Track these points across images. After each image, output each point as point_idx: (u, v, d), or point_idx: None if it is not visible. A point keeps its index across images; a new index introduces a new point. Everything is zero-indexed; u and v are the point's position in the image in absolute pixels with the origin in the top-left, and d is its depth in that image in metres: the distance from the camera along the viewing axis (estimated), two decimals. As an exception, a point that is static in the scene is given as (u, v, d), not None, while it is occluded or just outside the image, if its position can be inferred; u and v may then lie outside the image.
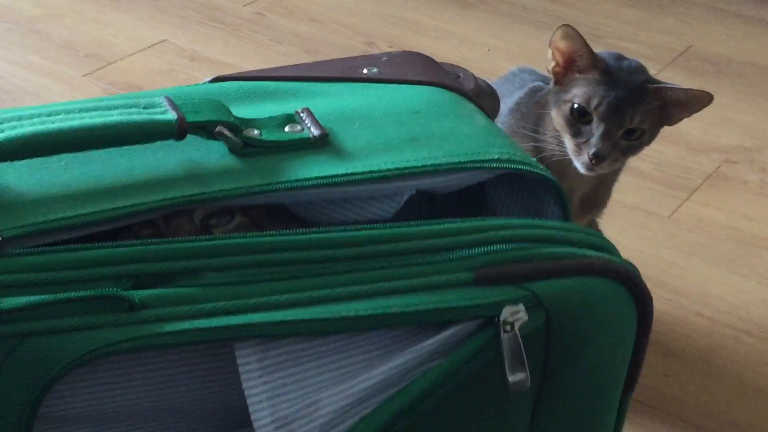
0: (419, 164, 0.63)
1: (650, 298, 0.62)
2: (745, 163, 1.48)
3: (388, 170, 0.62)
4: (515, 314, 0.56)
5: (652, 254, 1.28)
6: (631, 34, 1.83)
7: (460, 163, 0.64)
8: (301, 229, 0.57)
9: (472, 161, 0.64)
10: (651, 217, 1.35)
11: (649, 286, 1.20)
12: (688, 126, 1.56)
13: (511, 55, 1.75)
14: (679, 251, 1.29)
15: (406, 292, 0.56)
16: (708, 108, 1.58)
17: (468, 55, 1.74)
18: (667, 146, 1.48)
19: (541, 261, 0.58)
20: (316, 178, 0.61)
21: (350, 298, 0.55)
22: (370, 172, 0.62)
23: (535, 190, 0.68)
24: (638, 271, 0.61)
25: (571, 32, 0.93)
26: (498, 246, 0.58)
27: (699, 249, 1.29)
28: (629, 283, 0.61)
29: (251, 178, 0.61)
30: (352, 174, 0.61)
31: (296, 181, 0.60)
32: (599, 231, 1.12)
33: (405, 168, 0.62)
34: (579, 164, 0.94)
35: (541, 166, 0.67)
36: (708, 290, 1.22)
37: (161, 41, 1.72)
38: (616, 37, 1.82)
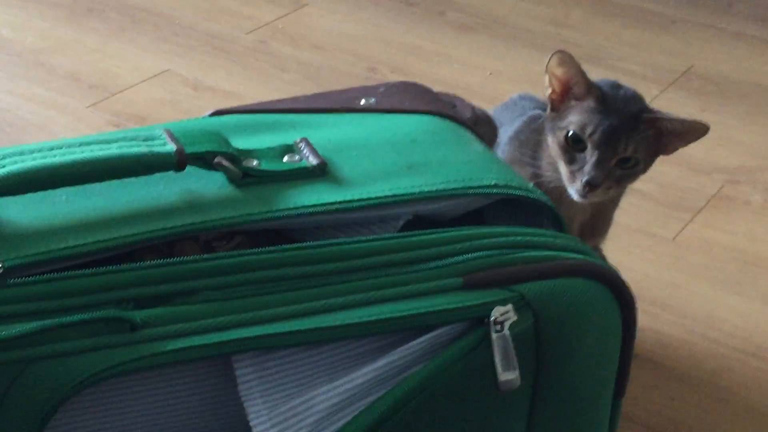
0: (416, 191, 0.64)
1: (633, 300, 0.64)
2: (748, 183, 1.48)
3: (386, 197, 0.63)
4: (505, 314, 0.58)
5: (657, 277, 1.28)
6: (633, 55, 1.84)
7: (456, 189, 0.65)
8: (295, 245, 0.58)
9: (469, 187, 0.65)
10: (655, 240, 1.35)
11: (654, 308, 1.21)
12: (691, 146, 1.55)
13: (512, 78, 1.76)
14: (684, 273, 1.29)
15: (398, 299, 0.58)
16: (711, 128, 1.59)
17: (470, 80, 1.75)
18: (670, 167, 1.48)
19: (526, 264, 0.61)
20: (315, 205, 0.62)
21: (344, 308, 0.57)
22: (368, 199, 0.63)
23: (533, 215, 0.69)
24: (619, 273, 0.63)
25: (567, 58, 0.94)
26: (484, 252, 0.61)
27: (704, 271, 1.29)
28: (612, 285, 0.63)
29: (250, 206, 0.61)
30: (349, 201, 0.62)
31: (294, 208, 0.61)
32: (603, 256, 1.12)
33: (402, 194, 0.63)
34: (573, 191, 0.94)
35: (539, 192, 0.68)
36: (714, 312, 1.22)
37: (164, 71, 1.73)
38: (618, 58, 1.82)
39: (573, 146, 0.93)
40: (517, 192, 0.66)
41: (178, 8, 1.94)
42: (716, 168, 1.51)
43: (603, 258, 1.12)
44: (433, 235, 0.61)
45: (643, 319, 1.21)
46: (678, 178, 1.48)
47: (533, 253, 0.61)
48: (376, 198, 0.62)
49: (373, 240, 0.59)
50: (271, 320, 0.55)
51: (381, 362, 0.57)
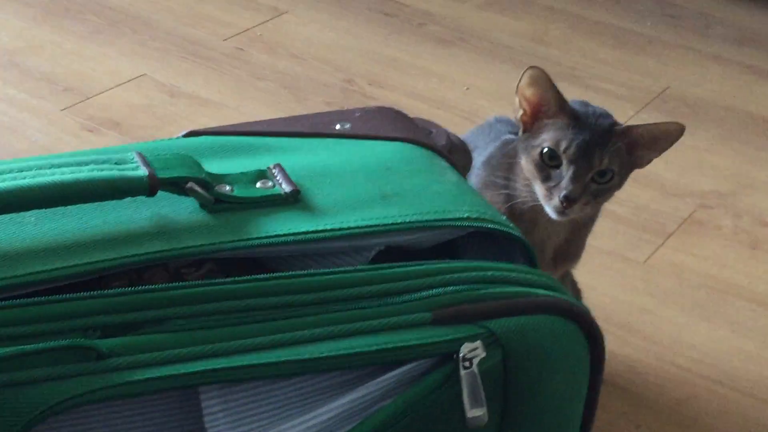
0: (389, 221, 0.64)
1: (602, 337, 0.64)
2: (719, 208, 1.49)
3: (358, 227, 0.63)
4: (473, 351, 0.58)
5: (627, 300, 1.28)
6: (609, 74, 1.85)
7: (429, 221, 0.65)
8: (264, 275, 0.58)
9: (442, 219, 0.65)
10: (626, 263, 1.35)
11: (623, 333, 1.21)
12: (664, 169, 1.57)
13: (490, 93, 1.76)
14: (654, 298, 1.29)
15: (367, 333, 0.58)
16: (684, 151, 1.60)
17: (447, 94, 1.75)
18: (643, 190, 1.49)
19: (496, 300, 0.61)
20: (286, 234, 0.61)
21: (312, 341, 0.57)
22: (340, 229, 0.63)
23: (505, 247, 0.69)
24: (589, 310, 0.63)
25: (538, 77, 0.94)
26: (454, 287, 0.61)
27: (673, 296, 1.30)
28: (582, 322, 0.63)
29: (221, 234, 0.61)
30: (321, 231, 0.62)
31: (266, 237, 0.61)
32: (573, 280, 1.12)
33: (374, 225, 0.63)
34: (550, 209, 0.94)
35: (511, 225, 0.68)
36: (682, 338, 1.22)
37: (140, 75, 1.72)
38: (594, 77, 1.83)
39: (548, 163, 0.94)
40: (490, 225, 0.66)
41: (156, 12, 1.93)
42: (689, 192, 1.52)
43: (574, 283, 1.12)
44: (404, 269, 0.60)
45: (612, 344, 1.21)
46: (651, 201, 1.48)
47: (503, 289, 0.61)
48: (348, 228, 0.62)
49: (343, 272, 0.59)
50: (238, 352, 0.55)
51: (349, 397, 0.57)
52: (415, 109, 1.68)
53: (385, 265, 0.61)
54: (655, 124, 0.95)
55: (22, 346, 0.52)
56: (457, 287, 0.60)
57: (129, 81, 1.70)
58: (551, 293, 0.63)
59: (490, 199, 0.98)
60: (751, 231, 1.44)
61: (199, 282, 0.57)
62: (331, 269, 0.60)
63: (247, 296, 0.57)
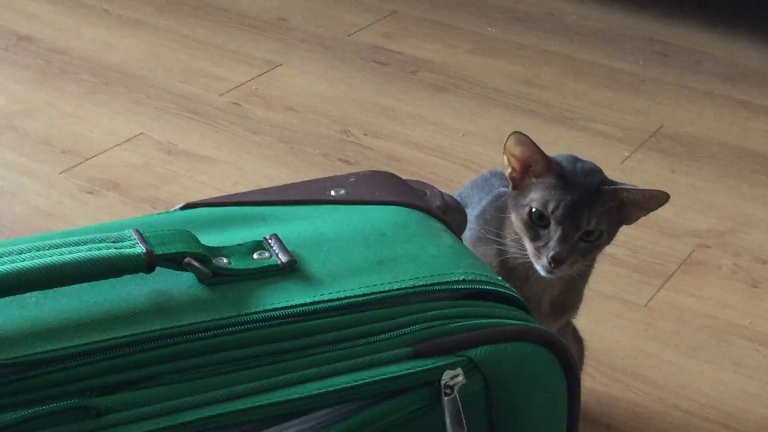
0: (386, 288, 0.65)
1: (575, 362, 0.67)
2: (718, 247, 1.49)
3: (355, 296, 0.64)
4: (455, 377, 0.61)
5: (629, 345, 1.29)
6: (603, 115, 1.86)
7: (425, 285, 0.66)
8: (247, 326, 0.60)
9: (438, 283, 0.66)
10: (627, 306, 1.36)
11: (626, 378, 1.21)
12: (662, 209, 1.56)
13: (485, 139, 1.77)
14: (656, 341, 1.29)
15: (351, 371, 0.60)
16: (680, 190, 1.61)
17: (443, 141, 1.76)
18: (641, 231, 1.50)
19: (472, 331, 0.63)
20: (284, 308, 0.62)
21: (299, 383, 0.59)
22: (337, 299, 0.63)
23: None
24: (559, 338, 0.66)
25: (523, 139, 0.95)
26: (431, 323, 0.63)
27: (675, 338, 1.30)
28: (554, 348, 0.65)
29: (220, 309, 0.62)
30: (318, 302, 0.63)
31: (264, 311, 0.61)
32: (575, 327, 1.13)
33: (370, 293, 0.64)
34: (539, 267, 0.95)
35: (507, 284, 0.68)
36: (685, 382, 1.22)
37: (138, 134, 1.73)
38: (588, 118, 1.84)
39: (536, 222, 0.95)
40: (485, 286, 0.67)
41: (151, 69, 1.95)
42: (687, 231, 1.52)
43: (575, 331, 1.12)
44: (382, 310, 0.63)
45: (615, 390, 1.21)
46: (649, 243, 1.49)
47: (477, 321, 0.64)
48: (346, 298, 0.63)
49: (324, 317, 0.61)
50: (229, 399, 0.57)
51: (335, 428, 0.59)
52: (411, 157, 1.69)
53: (365, 307, 0.63)
54: (640, 189, 0.96)
55: (20, 412, 0.54)
56: (435, 322, 0.63)
57: (126, 141, 1.72)
58: (521, 322, 0.65)
59: (483, 253, 0.99)
60: (750, 269, 1.44)
61: (186, 338, 0.59)
62: (315, 314, 0.62)
63: (233, 347, 0.59)
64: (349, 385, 0.59)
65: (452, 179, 1.61)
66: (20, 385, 0.56)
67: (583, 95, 1.93)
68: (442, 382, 0.60)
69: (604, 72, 2.02)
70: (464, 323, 0.63)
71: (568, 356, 0.66)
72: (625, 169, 1.67)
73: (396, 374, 0.60)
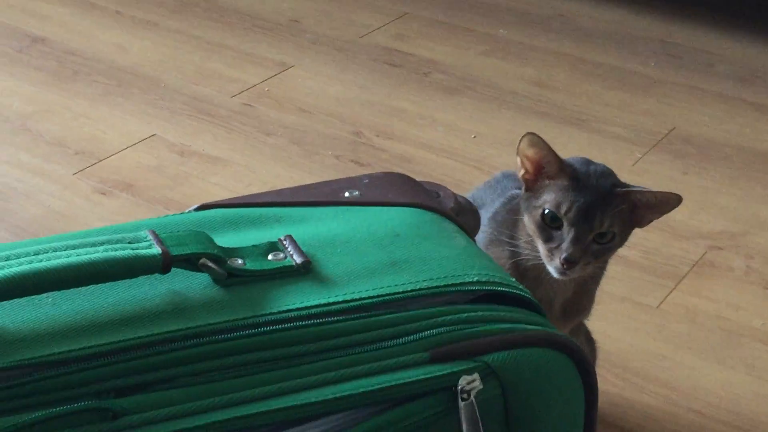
0: (399, 290, 0.65)
1: (593, 367, 0.67)
2: (730, 249, 1.49)
3: (369, 297, 0.64)
4: (471, 383, 0.61)
5: (642, 347, 1.29)
6: (615, 117, 1.86)
7: (439, 287, 0.65)
8: (263, 329, 0.60)
9: (451, 284, 0.66)
10: (639, 308, 1.36)
11: (638, 380, 1.21)
12: (674, 211, 1.57)
13: (497, 141, 1.77)
14: (668, 343, 1.29)
15: (367, 375, 0.60)
16: (693, 191, 1.61)
17: (455, 143, 1.76)
18: (654, 233, 1.50)
19: (489, 336, 0.63)
20: (298, 309, 0.62)
21: (315, 386, 0.59)
22: (352, 300, 0.63)
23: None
24: (577, 344, 0.66)
25: (537, 140, 0.95)
26: (448, 327, 0.63)
27: (688, 340, 1.30)
28: (571, 353, 0.65)
29: (236, 310, 0.62)
30: (333, 303, 0.63)
31: (278, 312, 0.62)
32: (587, 330, 1.13)
33: (385, 294, 0.64)
34: (552, 269, 0.95)
35: (520, 286, 0.68)
36: (698, 383, 1.22)
37: (151, 136, 1.74)
38: (600, 120, 1.84)
39: (549, 224, 0.95)
40: (499, 288, 0.67)
41: (164, 72, 1.96)
42: (699, 233, 1.52)
43: (588, 333, 1.13)
44: (398, 314, 0.63)
45: (628, 392, 1.21)
46: (661, 245, 1.49)
47: (495, 326, 0.64)
48: (360, 299, 0.63)
49: (340, 321, 0.61)
50: (245, 402, 0.57)
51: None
52: (423, 158, 1.70)
53: (380, 311, 0.63)
54: (653, 192, 0.96)
55: (37, 413, 0.54)
56: (452, 327, 0.63)
57: (140, 142, 1.72)
58: (539, 327, 0.65)
59: (496, 255, 0.99)
60: (762, 271, 1.44)
61: (203, 340, 0.59)
62: (331, 319, 0.62)
63: (249, 350, 0.59)
64: (365, 389, 0.59)
65: (464, 181, 1.61)
66: (37, 386, 0.56)
67: (595, 97, 1.93)
68: (459, 387, 0.60)
69: (616, 74, 2.01)
70: (482, 328, 0.63)
71: (586, 362, 0.65)
72: (637, 171, 1.67)
73: (413, 379, 0.60)
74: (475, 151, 1.74)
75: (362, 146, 1.74)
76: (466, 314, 0.64)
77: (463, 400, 0.60)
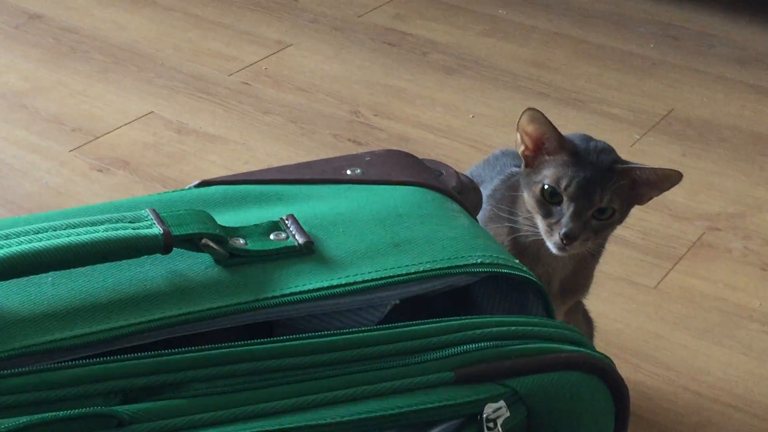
0: (403, 272, 0.64)
1: (627, 391, 0.64)
2: (728, 230, 1.49)
3: (372, 279, 0.63)
4: (497, 411, 0.58)
5: (639, 327, 1.29)
6: (614, 98, 1.85)
7: (443, 269, 0.64)
8: (283, 336, 0.58)
9: (455, 266, 0.65)
10: (637, 288, 1.36)
11: (635, 360, 1.21)
12: (672, 192, 1.57)
13: (495, 121, 1.77)
14: (666, 323, 1.29)
15: (388, 394, 0.57)
16: (691, 173, 1.60)
17: (453, 122, 1.76)
18: (652, 214, 1.50)
19: (519, 358, 0.60)
20: (301, 292, 0.61)
21: (334, 404, 0.56)
22: (355, 282, 0.62)
23: (519, 289, 0.69)
24: (614, 364, 0.63)
25: (537, 116, 0.95)
26: (476, 344, 0.60)
27: (685, 320, 1.30)
28: (606, 376, 0.62)
29: (238, 293, 0.61)
30: (336, 286, 0.62)
31: (281, 296, 0.61)
32: (585, 309, 1.13)
33: (388, 276, 0.63)
34: (551, 245, 0.95)
35: (524, 268, 0.68)
36: (695, 363, 1.22)
37: (148, 113, 1.73)
38: (599, 101, 1.84)
39: (549, 200, 0.95)
40: (504, 270, 0.66)
41: (161, 49, 1.95)
42: (697, 214, 1.52)
43: (585, 312, 1.12)
44: (423, 326, 0.60)
45: (624, 371, 1.21)
46: (660, 225, 1.49)
47: (526, 346, 0.60)
48: (363, 282, 0.62)
49: (362, 331, 0.59)
50: (257, 416, 0.54)
51: None
52: (421, 138, 1.69)
53: (403, 323, 0.60)
54: (654, 168, 0.95)
55: (42, 415, 0.52)
56: (480, 344, 0.60)
57: (136, 119, 1.71)
58: (575, 348, 0.62)
59: (494, 232, 0.99)
60: (761, 252, 1.44)
61: (216, 345, 0.57)
62: (350, 329, 0.59)
63: (265, 358, 0.57)
64: (384, 413, 0.56)
65: (462, 160, 1.61)
66: (42, 378, 0.54)
67: (594, 78, 1.92)
68: (484, 416, 0.57)
69: (616, 55, 2.01)
70: (512, 347, 0.60)
71: (620, 386, 0.62)
72: (636, 152, 1.67)
73: (435, 405, 0.57)
74: (473, 131, 1.74)
75: (360, 125, 1.73)
76: (495, 329, 0.61)
77: (489, 429, 0.57)
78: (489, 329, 0.61)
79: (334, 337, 0.58)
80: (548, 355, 0.60)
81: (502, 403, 0.58)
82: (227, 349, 0.56)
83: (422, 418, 0.57)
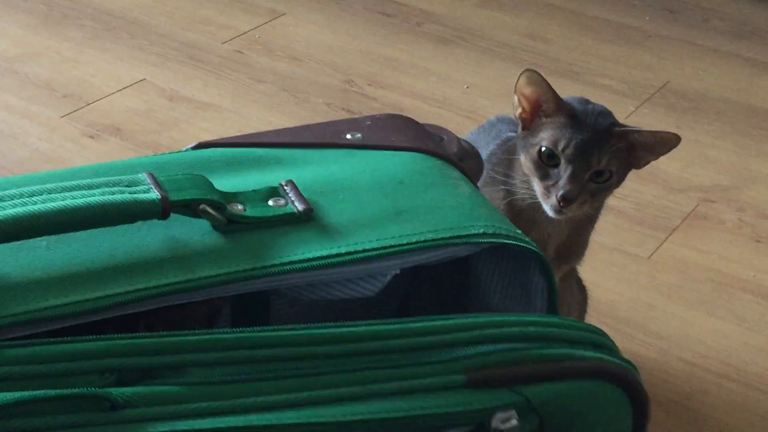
0: (404, 241, 0.62)
1: (648, 400, 0.61)
2: (722, 202, 1.49)
3: (373, 249, 0.61)
4: (506, 421, 0.55)
5: (632, 297, 1.29)
6: (609, 70, 1.85)
7: (444, 239, 0.63)
8: (287, 325, 0.56)
9: (457, 236, 0.63)
10: (630, 259, 1.36)
11: (629, 329, 1.22)
12: (667, 164, 1.58)
13: (489, 92, 1.76)
14: (659, 293, 1.29)
15: (397, 394, 0.55)
16: (686, 145, 1.59)
17: (447, 93, 1.75)
18: (646, 185, 1.49)
19: (535, 363, 0.57)
20: (301, 261, 0.59)
21: (339, 401, 0.54)
22: (356, 252, 0.61)
23: (520, 259, 0.68)
24: (638, 372, 0.60)
25: (535, 77, 0.94)
26: (491, 346, 0.57)
27: (678, 291, 1.30)
28: (627, 386, 0.59)
29: (236, 261, 0.59)
30: (336, 255, 0.60)
31: (281, 264, 0.59)
32: (579, 277, 1.12)
33: (389, 246, 0.61)
34: (548, 207, 0.94)
35: (526, 238, 0.67)
36: (688, 333, 1.23)
37: (140, 80, 1.72)
38: (594, 73, 1.83)
39: (546, 162, 0.94)
40: (506, 240, 0.64)
41: (154, 16, 1.93)
42: (691, 186, 1.52)
43: (579, 280, 1.12)
44: (436, 322, 0.57)
45: (618, 341, 1.20)
46: (654, 197, 1.49)
47: (546, 350, 0.58)
48: (364, 251, 0.60)
49: (371, 324, 0.56)
50: (256, 409, 0.52)
51: None
52: (415, 108, 1.68)
53: (415, 318, 0.58)
54: (652, 132, 0.95)
55: (33, 393, 0.50)
56: (495, 346, 0.57)
57: (128, 86, 1.70)
58: (595, 354, 0.59)
59: (490, 196, 0.98)
60: (754, 224, 1.44)
61: (217, 330, 0.55)
62: (359, 322, 0.57)
63: (267, 346, 0.55)
64: (388, 415, 0.53)
65: (456, 131, 1.58)
66: (35, 351, 0.52)
67: (589, 50, 1.91)
68: (493, 426, 0.55)
69: (611, 27, 2.00)
70: (530, 351, 0.57)
71: (641, 396, 0.59)
72: (630, 124, 1.65)
73: (444, 410, 0.54)
74: (467, 101, 1.73)
75: (353, 95, 1.72)
76: (513, 329, 0.58)
77: None
78: (506, 329, 0.58)
79: (341, 329, 0.55)
80: (566, 362, 0.57)
81: (512, 412, 0.55)
82: (226, 335, 0.54)
83: (431, 423, 0.54)
